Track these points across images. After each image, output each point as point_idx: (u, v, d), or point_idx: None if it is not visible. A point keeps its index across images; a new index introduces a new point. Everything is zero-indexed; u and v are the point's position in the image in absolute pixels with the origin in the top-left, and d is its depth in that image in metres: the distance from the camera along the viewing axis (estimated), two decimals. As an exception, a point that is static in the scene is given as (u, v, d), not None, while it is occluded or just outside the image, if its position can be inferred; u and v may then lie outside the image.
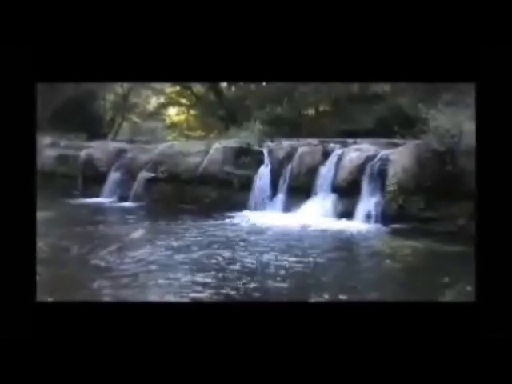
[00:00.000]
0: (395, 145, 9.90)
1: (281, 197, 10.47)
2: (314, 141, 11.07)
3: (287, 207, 10.18)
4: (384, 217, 8.89)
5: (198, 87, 19.41)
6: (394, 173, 9.05)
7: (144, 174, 12.04)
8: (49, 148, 13.71)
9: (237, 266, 5.87)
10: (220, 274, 5.52)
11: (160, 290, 5.02)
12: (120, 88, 19.70)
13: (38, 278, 2.66)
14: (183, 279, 5.34)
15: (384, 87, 14.44)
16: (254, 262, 6.12)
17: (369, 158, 9.61)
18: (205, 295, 4.79)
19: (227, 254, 6.47)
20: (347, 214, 9.28)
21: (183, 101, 21.74)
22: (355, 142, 10.73)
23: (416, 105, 9.94)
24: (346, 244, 7.66)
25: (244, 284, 5.15)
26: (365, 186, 9.40)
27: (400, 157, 9.23)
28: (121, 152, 13.09)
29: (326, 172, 10.12)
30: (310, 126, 15.24)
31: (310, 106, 16.41)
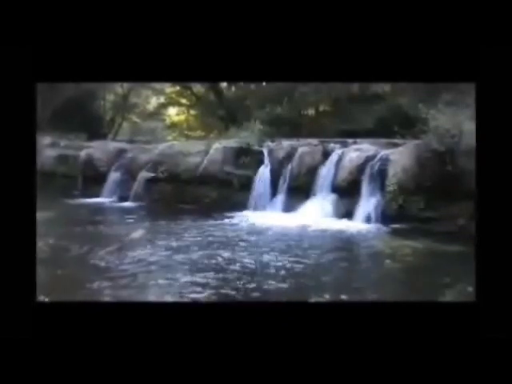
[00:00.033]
0: (395, 145, 9.90)
1: (281, 197, 10.47)
2: (314, 141, 11.07)
3: (287, 207, 10.18)
4: (384, 217, 8.89)
5: (198, 87, 19.41)
6: (393, 173, 9.06)
7: (144, 174, 12.04)
8: (49, 148, 13.71)
9: (236, 267, 5.87)
10: (220, 274, 5.51)
11: (160, 290, 5.02)
12: (120, 88, 19.70)
13: (37, 278, 2.65)
14: (183, 279, 5.34)
15: (384, 87, 14.44)
16: (254, 262, 6.12)
17: (369, 158, 9.61)
18: (204, 295, 4.79)
19: (227, 254, 6.47)
20: (347, 214, 9.29)
21: (183, 101, 21.74)
22: (355, 142, 10.73)
23: (416, 105, 9.94)
24: (346, 244, 7.66)
25: (244, 284, 5.15)
26: (365, 186, 9.40)
27: (400, 157, 9.23)
28: (121, 152, 13.09)
29: (326, 172, 10.12)
30: (309, 126, 15.24)
31: (310, 106, 16.41)
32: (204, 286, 5.09)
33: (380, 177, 9.30)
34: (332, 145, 10.78)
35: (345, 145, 10.71)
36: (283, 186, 10.56)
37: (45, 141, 13.50)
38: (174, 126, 23.08)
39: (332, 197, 9.78)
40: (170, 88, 20.60)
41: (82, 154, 13.22)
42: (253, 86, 17.48)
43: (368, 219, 8.99)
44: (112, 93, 20.31)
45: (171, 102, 21.98)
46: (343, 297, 4.86)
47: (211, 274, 5.50)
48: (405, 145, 9.52)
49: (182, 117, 22.92)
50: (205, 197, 11.22)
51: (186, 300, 4.66)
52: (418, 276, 5.81)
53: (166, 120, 23.22)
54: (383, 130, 11.57)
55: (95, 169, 12.86)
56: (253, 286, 5.12)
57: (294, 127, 14.44)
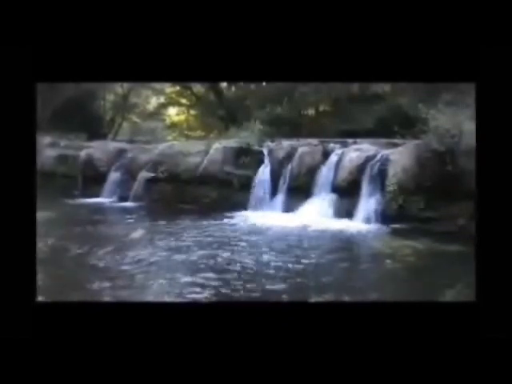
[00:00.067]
0: (395, 145, 9.90)
1: (281, 197, 10.47)
2: (314, 141, 11.07)
3: (287, 207, 10.18)
4: (384, 217, 8.89)
5: (198, 87, 19.42)
6: (394, 173, 9.06)
7: (144, 174, 12.04)
8: (49, 148, 13.71)
9: (236, 267, 5.87)
10: (219, 275, 5.51)
11: (159, 291, 5.02)
12: (120, 88, 19.70)
13: (38, 278, 2.65)
14: (183, 279, 5.34)
15: (384, 87, 14.45)
16: (254, 262, 6.12)
17: (369, 158, 9.61)
18: (204, 295, 4.79)
19: (227, 254, 6.47)
20: (347, 214, 9.29)
21: (183, 101, 21.75)
22: (355, 142, 10.73)
23: (416, 105, 9.94)
24: (346, 244, 7.66)
25: (243, 284, 5.15)
26: (365, 186, 9.40)
27: (400, 157, 9.23)
28: (121, 152, 13.09)
29: (326, 172, 10.12)
30: (309, 126, 15.24)
31: (310, 106, 16.41)
32: (204, 286, 5.09)
33: (380, 177, 9.30)
34: (332, 145, 10.78)
35: (345, 145, 10.71)
36: (283, 186, 10.56)
37: (45, 141, 13.50)
38: (174, 125, 23.09)
39: (332, 197, 9.78)
40: (170, 88, 20.60)
41: (82, 154, 13.22)
42: (253, 86, 17.49)
43: (368, 219, 8.99)
44: (112, 93, 20.31)
45: (171, 102, 21.99)
46: (343, 297, 4.86)
47: (211, 274, 5.50)
48: (405, 145, 9.52)
49: (182, 117, 22.92)
50: (205, 197, 11.22)
51: (185, 300, 4.66)
52: (417, 276, 5.81)
53: (166, 120, 23.23)
54: (383, 130, 11.57)
55: (95, 169, 12.86)
56: (252, 286, 5.12)
57: (294, 127, 14.44)
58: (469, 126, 7.52)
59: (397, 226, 8.59)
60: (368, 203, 9.20)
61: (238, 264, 5.97)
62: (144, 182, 11.95)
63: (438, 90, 9.94)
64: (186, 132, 21.93)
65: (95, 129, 16.95)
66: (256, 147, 11.30)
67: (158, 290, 5.03)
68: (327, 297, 4.85)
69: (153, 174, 11.96)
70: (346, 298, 4.80)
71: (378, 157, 9.54)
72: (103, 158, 12.98)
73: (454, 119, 8.36)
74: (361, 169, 9.55)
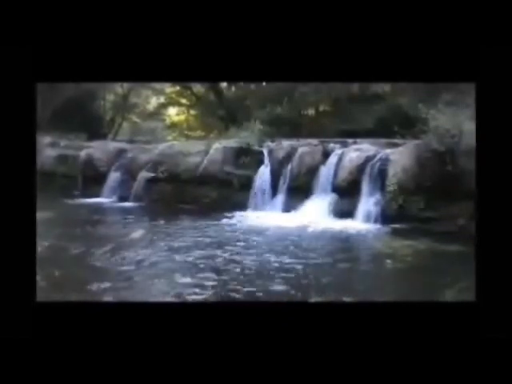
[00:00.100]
0: (395, 145, 9.91)
1: (281, 197, 10.47)
2: (314, 141, 11.08)
3: (287, 207, 10.18)
4: (384, 217, 8.89)
5: (198, 87, 19.42)
6: (394, 173, 9.06)
7: (144, 174, 12.04)
8: (49, 148, 13.71)
9: (236, 267, 5.86)
10: (219, 275, 5.51)
11: (159, 291, 5.02)
12: (120, 88, 19.71)
13: (37, 278, 2.65)
14: (182, 279, 5.33)
15: (384, 87, 14.45)
16: (254, 262, 6.12)
17: (369, 158, 9.62)
18: (204, 295, 4.79)
19: (227, 254, 6.47)
20: (347, 213, 9.28)
21: (183, 101, 21.76)
22: (355, 142, 10.74)
23: (416, 105, 9.94)
24: (346, 244, 7.66)
25: (243, 284, 5.15)
26: (365, 186, 9.41)
27: (400, 157, 9.23)
28: (121, 152, 13.09)
29: (326, 172, 10.12)
30: (310, 126, 15.25)
31: (310, 106, 16.42)
32: (204, 286, 5.09)
33: (380, 177, 9.30)
34: (332, 145, 10.79)
35: (345, 145, 10.72)
36: (283, 186, 10.56)
37: (45, 141, 13.51)
38: (174, 125, 23.10)
39: (332, 197, 9.78)
40: (170, 88, 20.61)
41: (82, 154, 13.22)
42: (253, 86, 17.49)
43: (368, 219, 8.99)
44: (112, 93, 20.32)
45: (171, 102, 21.99)
46: (343, 297, 4.86)
47: (211, 274, 5.50)
48: (405, 145, 9.52)
49: (182, 117, 22.93)
50: (205, 197, 11.22)
51: (185, 300, 4.66)
52: (417, 276, 5.81)
53: (166, 120, 23.23)
54: (383, 130, 11.57)
55: (95, 169, 12.86)
56: (252, 286, 5.12)
57: (294, 127, 14.45)
58: (469, 126, 7.52)
59: (397, 225, 8.59)
60: (368, 203, 9.20)
61: (238, 264, 5.97)
62: (144, 182, 11.95)
63: (438, 90, 9.94)
64: (185, 132, 21.93)
65: (95, 129, 16.95)
66: (256, 147, 11.30)
67: (157, 290, 5.03)
68: (327, 297, 4.85)
69: (153, 174, 11.96)
70: (346, 298, 4.80)
71: (378, 157, 9.54)
72: (103, 158, 12.98)
73: (454, 119, 8.36)
74: (361, 169, 9.56)
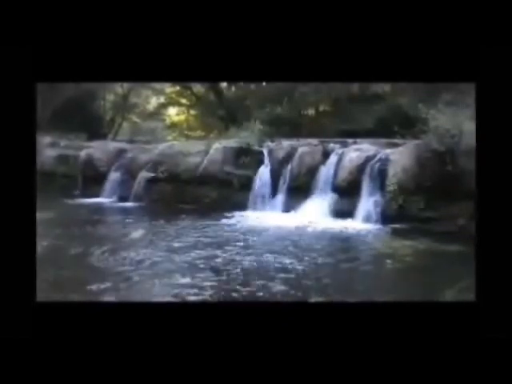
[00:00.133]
0: (395, 145, 9.91)
1: (281, 197, 10.47)
2: (314, 141, 11.08)
3: (287, 207, 10.18)
4: (384, 217, 8.89)
5: (198, 87, 19.42)
6: (393, 173, 9.06)
7: (144, 174, 12.04)
8: (49, 148, 13.71)
9: (236, 267, 5.86)
10: (219, 275, 5.51)
11: (159, 291, 5.02)
12: (120, 88, 19.71)
13: (37, 278, 2.65)
14: (182, 280, 5.33)
15: (384, 87, 14.46)
16: (254, 262, 6.12)
17: (369, 158, 9.62)
18: (204, 296, 4.79)
19: (227, 254, 6.47)
20: (347, 213, 9.29)
21: (183, 101, 21.76)
22: (355, 142, 10.74)
23: (416, 105, 9.95)
24: (345, 244, 7.67)
25: (243, 284, 5.15)
26: (365, 186, 9.41)
27: (400, 157, 9.23)
28: (121, 152, 13.09)
29: (326, 172, 10.12)
30: (310, 125, 15.25)
31: (310, 106, 16.43)
32: (203, 286, 5.08)
33: (380, 177, 9.30)
34: (332, 145, 10.79)
35: (345, 145, 10.72)
36: (283, 186, 10.56)
37: (45, 141, 13.51)
38: (174, 125, 23.10)
39: (332, 197, 9.78)
40: (170, 88, 20.61)
41: (82, 154, 13.23)
42: (253, 86, 17.49)
43: (368, 219, 8.99)
44: (112, 93, 20.32)
45: (171, 102, 21.99)
46: (343, 297, 4.86)
47: (211, 274, 5.50)
48: (405, 145, 9.53)
49: (182, 117, 22.93)
50: (205, 197, 11.22)
51: (185, 300, 4.66)
52: (418, 276, 5.81)
53: (166, 120, 23.24)
54: (383, 130, 11.58)
55: (95, 169, 12.87)
56: (252, 286, 5.12)
57: (294, 127, 14.45)
58: (469, 126, 7.52)
59: (397, 225, 8.59)
60: (368, 203, 9.20)
61: (238, 264, 5.97)
62: (144, 182, 11.95)
63: (438, 90, 9.95)
64: (186, 132, 21.94)
65: (95, 129, 16.96)
66: (256, 147, 11.30)
67: (157, 290, 5.03)
68: (327, 297, 4.85)
69: (153, 174, 11.96)
70: (346, 298, 4.80)
71: (378, 157, 9.55)
72: (103, 158, 12.98)
73: (454, 119, 8.37)
74: (361, 169, 9.56)
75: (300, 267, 5.89)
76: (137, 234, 7.87)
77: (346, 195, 9.57)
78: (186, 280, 5.30)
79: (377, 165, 9.42)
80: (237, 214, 9.94)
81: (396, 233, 8.21)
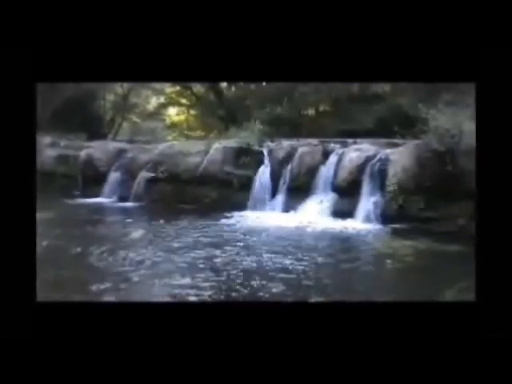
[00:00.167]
0: (395, 145, 9.91)
1: (281, 197, 10.47)
2: (314, 141, 11.08)
3: (287, 207, 10.18)
4: (384, 217, 8.89)
5: (198, 87, 19.42)
6: (393, 173, 9.06)
7: (144, 174, 12.04)
8: (49, 148, 13.71)
9: (236, 267, 5.86)
10: (219, 275, 5.51)
11: (159, 291, 5.02)
12: (120, 88, 19.71)
13: (37, 278, 2.66)
14: (182, 280, 5.33)
15: (384, 87, 14.45)
16: (254, 262, 6.12)
17: (369, 158, 9.62)
18: (204, 295, 4.79)
19: (226, 254, 6.47)
20: (347, 214, 9.29)
21: (183, 101, 21.76)
22: (355, 142, 10.74)
23: (416, 105, 9.95)
24: (345, 244, 7.66)
25: (243, 284, 5.15)
26: (365, 186, 9.41)
27: (400, 157, 9.23)
28: (121, 152, 13.09)
29: (326, 172, 10.13)
30: (310, 126, 15.25)
31: (310, 106, 16.43)
32: (203, 286, 5.08)
33: (380, 177, 9.30)
34: (332, 145, 10.79)
35: (345, 145, 10.72)
36: (283, 186, 10.56)
37: (45, 141, 13.51)
38: (174, 125, 23.10)
39: (332, 197, 9.79)
40: (170, 88, 20.61)
41: (82, 154, 13.22)
42: (253, 86, 17.49)
43: (368, 219, 8.99)
44: (112, 93, 20.32)
45: (171, 102, 21.99)
46: (343, 297, 4.86)
47: (210, 275, 5.50)
48: (405, 145, 9.53)
49: (182, 117, 22.93)
50: (205, 197, 11.22)
51: (185, 300, 4.66)
52: (418, 276, 5.81)
53: (166, 120, 23.24)
54: (383, 130, 11.58)
55: (95, 169, 12.87)
56: (252, 286, 5.12)
57: (294, 127, 14.45)
58: (469, 126, 7.52)
59: (397, 225, 8.59)
60: (368, 203, 9.20)
61: (238, 264, 5.97)
62: (144, 182, 11.95)
63: (438, 90, 9.94)
64: (186, 132, 21.94)
65: (95, 129, 16.96)
66: (256, 147, 11.30)
67: (157, 291, 5.03)
68: (327, 297, 4.85)
69: (153, 174, 11.97)
70: (346, 298, 4.80)
71: (378, 157, 9.55)
72: (103, 158, 12.98)
73: (454, 119, 8.37)
74: (361, 169, 9.56)
75: (300, 267, 5.89)
76: (137, 234, 7.87)
77: (346, 195, 9.57)
78: (186, 280, 5.30)
79: (377, 165, 9.43)
80: (237, 214, 9.94)
81: (396, 233, 8.21)
